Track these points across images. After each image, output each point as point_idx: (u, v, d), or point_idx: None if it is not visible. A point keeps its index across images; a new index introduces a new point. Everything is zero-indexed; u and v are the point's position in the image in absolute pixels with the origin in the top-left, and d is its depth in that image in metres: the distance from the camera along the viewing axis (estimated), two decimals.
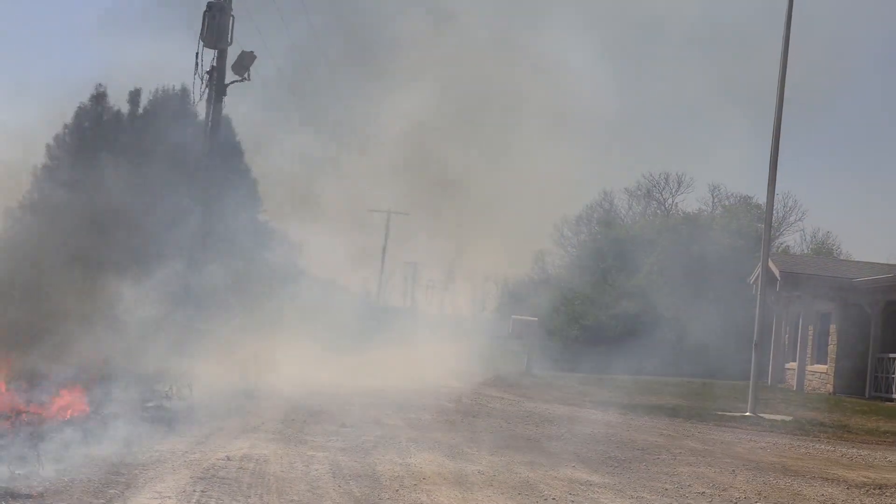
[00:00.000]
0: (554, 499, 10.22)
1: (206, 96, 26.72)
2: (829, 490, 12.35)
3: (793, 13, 24.27)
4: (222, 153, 28.18)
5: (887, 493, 12.47)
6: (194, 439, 12.70)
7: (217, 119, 26.97)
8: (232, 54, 26.63)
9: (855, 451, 17.52)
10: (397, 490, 10.10)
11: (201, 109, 27.59)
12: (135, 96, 39.92)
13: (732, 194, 61.10)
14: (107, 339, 16.93)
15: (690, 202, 64.71)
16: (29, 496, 8.58)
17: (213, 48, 26.44)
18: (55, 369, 15.25)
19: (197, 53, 26.24)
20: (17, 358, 14.68)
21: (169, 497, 8.90)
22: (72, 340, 16.16)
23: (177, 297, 23.42)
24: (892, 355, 30.49)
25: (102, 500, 8.57)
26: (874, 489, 12.77)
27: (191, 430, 13.51)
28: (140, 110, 39.80)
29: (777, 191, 25.73)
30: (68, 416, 13.12)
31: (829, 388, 32.68)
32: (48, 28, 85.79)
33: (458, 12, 37.95)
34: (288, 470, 10.82)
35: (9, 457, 10.00)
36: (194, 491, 9.26)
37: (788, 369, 35.98)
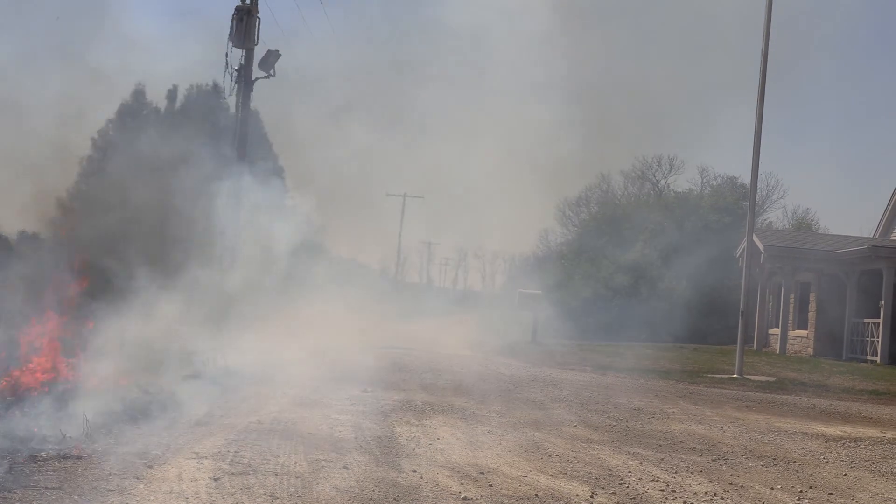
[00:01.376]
0: (558, 455, 10.21)
1: (235, 92, 26.82)
2: (809, 444, 12.32)
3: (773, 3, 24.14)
4: (251, 143, 28.20)
5: (861, 446, 12.44)
6: (228, 405, 12.74)
7: (246, 112, 27.03)
8: (258, 53, 26.73)
9: (833, 408, 17.48)
10: (414, 449, 10.11)
11: (232, 104, 27.67)
12: (172, 93, 40.01)
13: (719, 175, 60.78)
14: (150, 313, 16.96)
15: (681, 183, 64.25)
16: (78, 456, 8.62)
17: (241, 48, 26.54)
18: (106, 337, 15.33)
19: (226, 53, 26.38)
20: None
21: (206, 457, 8.92)
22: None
23: (213, 276, 23.44)
24: (866, 320, 30.41)
25: (146, 461, 8.59)
26: (850, 442, 12.74)
27: (226, 396, 13.55)
28: (177, 105, 39.88)
29: (760, 171, 25.73)
30: (115, 384, 13.16)
31: (810, 350, 32.62)
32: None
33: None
34: (313, 432, 10.83)
35: (60, 420, 10.05)
36: (229, 451, 9.28)
37: (772, 334, 35.90)
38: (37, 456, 8.52)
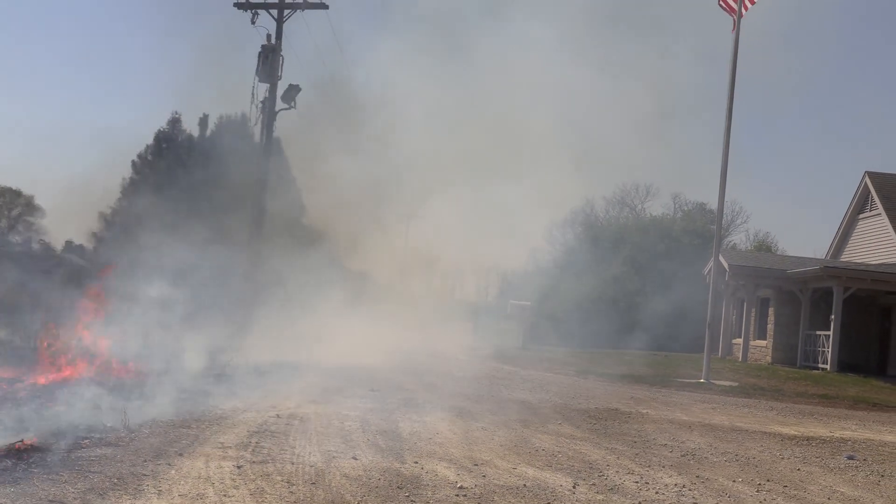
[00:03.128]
0: (543, 450, 10.23)
1: (260, 121, 26.90)
2: (767, 442, 12.34)
3: (739, 40, 24.26)
4: (273, 168, 28.27)
5: (813, 444, 12.47)
6: (250, 401, 12.74)
7: (269, 140, 27.10)
8: (281, 87, 26.82)
9: (788, 410, 17.49)
10: (415, 443, 10.12)
11: (257, 132, 27.77)
12: (203, 121, 40.11)
13: (690, 201, 60.78)
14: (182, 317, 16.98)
15: (656, 207, 64.29)
16: (117, 444, 8.64)
17: (266, 82, 26.64)
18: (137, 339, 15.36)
19: (253, 87, 26.51)
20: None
21: (230, 447, 8.94)
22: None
23: (237, 287, 23.47)
24: (818, 332, 30.43)
25: (175, 449, 8.61)
26: (803, 440, 12.76)
27: (247, 393, 13.54)
28: (207, 133, 39.97)
29: (726, 198, 25.83)
30: (150, 380, 13.18)
31: (768, 359, 32.60)
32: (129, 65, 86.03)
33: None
34: (326, 426, 10.84)
35: (101, 410, 10.08)
36: (250, 442, 9.30)
37: (735, 344, 35.87)
38: (81, 443, 8.55)
